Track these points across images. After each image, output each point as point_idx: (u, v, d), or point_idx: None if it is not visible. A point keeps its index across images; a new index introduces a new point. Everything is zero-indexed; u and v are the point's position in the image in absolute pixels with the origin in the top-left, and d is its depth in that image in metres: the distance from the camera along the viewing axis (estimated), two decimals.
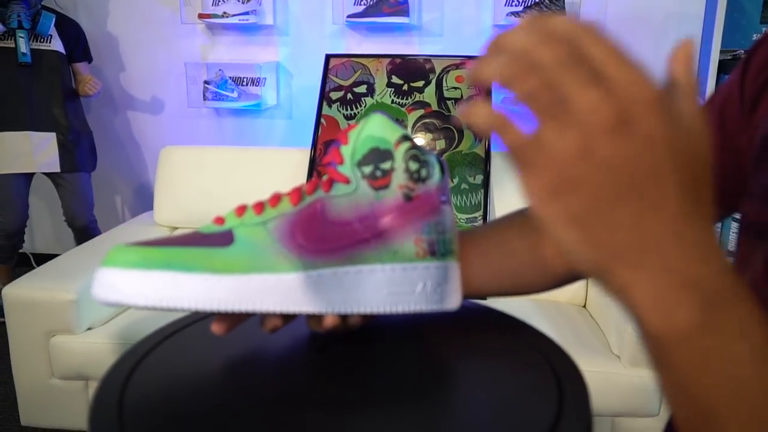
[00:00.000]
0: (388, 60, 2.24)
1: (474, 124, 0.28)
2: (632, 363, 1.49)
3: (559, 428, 0.39)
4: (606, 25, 2.54)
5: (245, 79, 2.76)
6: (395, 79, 2.22)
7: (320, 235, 0.45)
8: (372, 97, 2.21)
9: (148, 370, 0.47)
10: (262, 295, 0.43)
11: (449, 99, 2.19)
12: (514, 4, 2.56)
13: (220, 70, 2.71)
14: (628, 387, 1.49)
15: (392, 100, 2.19)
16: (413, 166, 0.47)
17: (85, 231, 2.60)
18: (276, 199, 0.46)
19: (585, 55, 0.26)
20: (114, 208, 3.07)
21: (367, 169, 0.46)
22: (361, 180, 0.46)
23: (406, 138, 0.47)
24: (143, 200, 3.00)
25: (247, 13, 2.64)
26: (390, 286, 0.46)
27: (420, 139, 2.15)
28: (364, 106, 2.19)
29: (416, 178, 0.47)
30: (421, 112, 2.17)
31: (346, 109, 2.20)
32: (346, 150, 0.47)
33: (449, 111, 2.18)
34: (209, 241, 0.44)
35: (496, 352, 0.49)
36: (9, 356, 1.72)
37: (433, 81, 2.21)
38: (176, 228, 2.18)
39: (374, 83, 2.22)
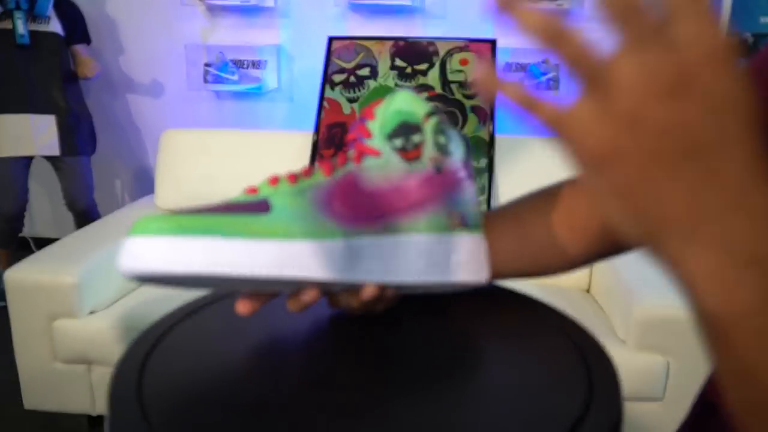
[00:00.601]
0: (391, 43, 2.22)
1: (529, 33, 0.25)
2: (638, 347, 1.49)
3: (589, 414, 0.38)
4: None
5: (246, 62, 2.73)
6: (399, 62, 2.19)
7: (357, 204, 0.45)
8: (375, 79, 2.18)
9: (164, 353, 0.46)
10: (306, 261, 0.42)
11: (453, 82, 2.17)
12: None
13: (220, 52, 2.69)
14: (633, 371, 1.49)
15: (396, 83, 2.17)
16: (441, 139, 0.48)
17: (85, 215, 2.58)
18: (309, 170, 0.46)
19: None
20: (113, 191, 3.06)
21: (398, 142, 0.47)
22: (392, 152, 0.47)
23: (433, 113, 0.47)
24: (143, 184, 2.99)
25: None
26: (427, 256, 0.46)
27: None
28: (367, 89, 2.17)
29: (444, 151, 0.48)
30: (424, 95, 2.15)
31: (349, 92, 2.18)
32: (373, 125, 0.47)
33: (453, 94, 2.16)
34: (246, 209, 0.43)
35: (522, 334, 0.48)
36: (11, 341, 1.71)
37: (437, 64, 2.18)
38: None
39: (377, 66, 2.20)
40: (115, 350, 1.67)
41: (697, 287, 0.26)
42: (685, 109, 0.24)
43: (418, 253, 0.46)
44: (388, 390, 0.41)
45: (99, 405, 1.75)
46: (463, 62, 2.19)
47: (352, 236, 0.44)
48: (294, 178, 0.45)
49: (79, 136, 2.52)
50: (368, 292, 0.46)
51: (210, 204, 0.44)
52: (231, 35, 2.74)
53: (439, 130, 0.47)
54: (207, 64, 2.69)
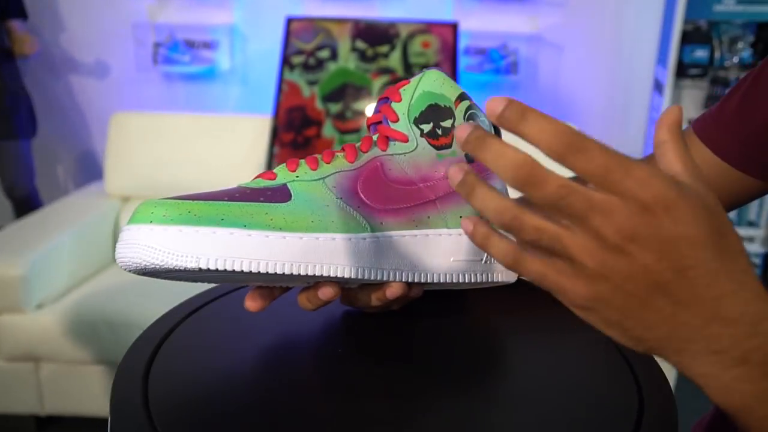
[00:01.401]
0: (351, 24, 2.16)
1: (493, 255, 0.30)
2: None
3: (644, 422, 0.35)
4: None
5: (197, 42, 2.62)
6: (359, 44, 2.14)
7: (383, 194, 0.41)
8: (335, 61, 2.12)
9: (169, 354, 0.41)
10: (331, 257, 0.38)
11: (415, 65, 2.13)
12: None
13: (170, 32, 2.56)
14: None
15: (356, 66, 2.12)
16: None
17: (26, 202, 2.44)
18: (329, 155, 0.41)
19: (578, 171, 0.27)
20: (56, 177, 2.90)
21: (427, 127, 0.43)
22: (420, 138, 0.43)
23: (464, 95, 0.43)
24: (88, 169, 2.84)
25: None
26: (456, 253, 0.42)
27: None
28: (327, 72, 2.11)
29: None
30: (386, 78, 2.11)
31: (309, 74, 2.11)
32: (399, 107, 0.43)
33: None
34: (263, 196, 0.38)
35: (554, 332, 0.45)
36: None
37: (399, 46, 2.14)
38: (130, 198, 2.06)
39: (337, 48, 2.14)
40: (65, 346, 1.58)
41: (701, 386, 0.30)
42: (637, 255, 0.27)
43: (446, 250, 0.42)
44: (409, 396, 0.37)
45: (48, 405, 1.66)
46: (425, 45, 2.15)
47: (380, 230, 0.40)
48: (315, 162, 0.41)
49: (16, 118, 2.37)
50: (394, 291, 0.42)
51: (218, 190, 0.38)
52: (181, 14, 2.61)
53: (470, 116, 0.43)
54: (156, 44, 2.56)
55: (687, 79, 2.34)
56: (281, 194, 0.38)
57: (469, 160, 0.43)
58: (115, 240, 1.98)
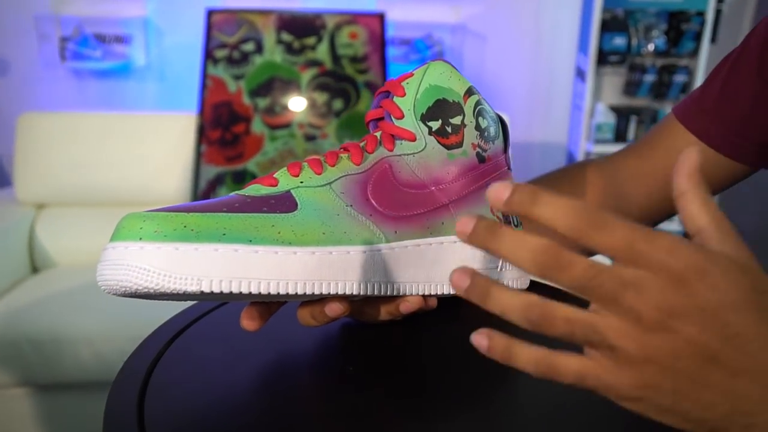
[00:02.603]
0: (276, 15, 2.09)
1: (520, 367, 0.27)
2: None
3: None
4: None
5: (109, 36, 2.47)
6: (285, 36, 2.07)
7: (395, 199, 0.37)
8: (261, 54, 2.05)
9: (165, 371, 0.37)
10: (345, 273, 0.34)
11: (344, 57, 2.08)
12: None
13: (78, 25, 2.40)
14: None
15: (283, 59, 2.05)
16: (483, 122, 0.40)
17: None
18: (333, 156, 0.37)
19: (600, 249, 0.25)
20: None
21: (435, 125, 0.39)
22: (429, 136, 0.39)
23: (473, 89, 0.40)
24: None
25: None
26: (472, 261, 0.39)
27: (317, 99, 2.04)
28: (253, 65, 2.04)
29: (487, 136, 0.40)
30: (315, 70, 2.06)
31: (234, 68, 2.03)
32: (404, 102, 0.39)
33: (344, 69, 2.08)
34: (267, 205, 0.34)
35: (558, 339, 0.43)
36: None
37: (326, 38, 2.09)
38: (44, 205, 1.91)
39: (262, 40, 2.06)
40: None
41: None
42: (680, 330, 0.25)
43: (462, 259, 0.39)
44: (417, 411, 0.34)
45: None
46: (353, 36, 2.12)
47: (395, 239, 0.37)
48: (319, 166, 0.37)
49: None
50: (410, 306, 0.39)
51: (214, 200, 0.34)
52: (88, 5, 2.45)
53: (480, 111, 0.40)
54: (63, 39, 2.39)
55: (607, 66, 2.42)
56: (286, 203, 0.34)
57: (481, 160, 0.40)
58: (31, 250, 1.83)
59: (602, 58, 2.37)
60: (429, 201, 0.39)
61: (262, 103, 2.02)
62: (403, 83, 0.40)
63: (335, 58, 2.08)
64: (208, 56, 2.03)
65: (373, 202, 0.37)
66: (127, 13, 2.46)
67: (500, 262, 0.41)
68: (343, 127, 2.04)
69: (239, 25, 2.07)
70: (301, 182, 0.36)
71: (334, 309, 0.36)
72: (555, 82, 2.67)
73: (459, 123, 0.40)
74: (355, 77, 2.08)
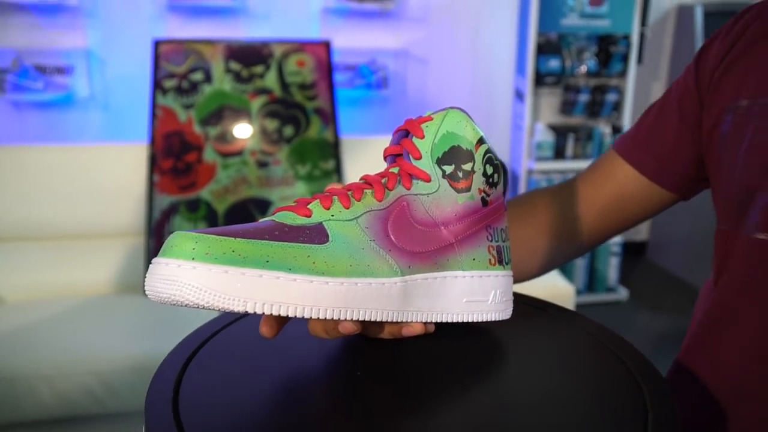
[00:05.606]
0: (223, 45, 2.11)
1: None
2: None
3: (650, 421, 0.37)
4: (426, 13, 2.65)
5: (49, 68, 2.43)
6: (233, 65, 2.10)
7: (411, 236, 0.42)
8: (210, 84, 2.07)
9: (198, 374, 0.41)
10: (366, 302, 0.38)
11: (292, 84, 2.12)
12: None
13: (16, 56, 2.36)
14: None
15: (232, 87, 2.08)
16: (489, 170, 0.45)
17: None
18: (359, 191, 0.41)
19: None
20: None
21: (448, 169, 0.43)
22: (443, 179, 0.43)
23: (483, 139, 0.45)
24: None
25: None
26: (468, 294, 0.44)
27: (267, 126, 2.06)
28: (203, 94, 2.05)
29: (491, 182, 0.45)
30: (264, 98, 2.09)
31: (183, 98, 2.04)
32: (422, 144, 0.44)
33: (293, 96, 2.11)
34: (303, 236, 0.37)
35: (555, 346, 0.48)
36: None
37: (274, 66, 2.13)
38: None
39: (211, 69, 2.08)
40: None
41: None
42: None
43: (460, 291, 0.44)
44: (437, 409, 0.38)
45: None
46: (300, 64, 2.16)
47: (408, 273, 0.41)
48: (347, 200, 0.41)
49: None
50: (413, 330, 0.44)
51: (256, 225, 0.38)
52: (26, 37, 2.41)
53: (487, 159, 0.45)
54: (2, 71, 2.35)
55: (544, 86, 2.54)
56: (319, 234, 0.38)
57: (484, 204, 0.44)
58: None
59: (539, 80, 2.49)
60: (439, 239, 0.43)
61: (213, 131, 2.03)
62: (423, 126, 0.44)
63: (284, 85, 2.12)
64: (157, 86, 2.04)
65: (392, 237, 0.41)
66: (67, 44, 2.43)
67: (491, 294, 0.45)
68: (295, 153, 2.07)
69: (187, 55, 2.08)
70: (332, 215, 0.39)
71: (347, 327, 0.40)
72: (495, 104, 2.79)
73: (469, 169, 0.44)
74: (304, 104, 2.12)
